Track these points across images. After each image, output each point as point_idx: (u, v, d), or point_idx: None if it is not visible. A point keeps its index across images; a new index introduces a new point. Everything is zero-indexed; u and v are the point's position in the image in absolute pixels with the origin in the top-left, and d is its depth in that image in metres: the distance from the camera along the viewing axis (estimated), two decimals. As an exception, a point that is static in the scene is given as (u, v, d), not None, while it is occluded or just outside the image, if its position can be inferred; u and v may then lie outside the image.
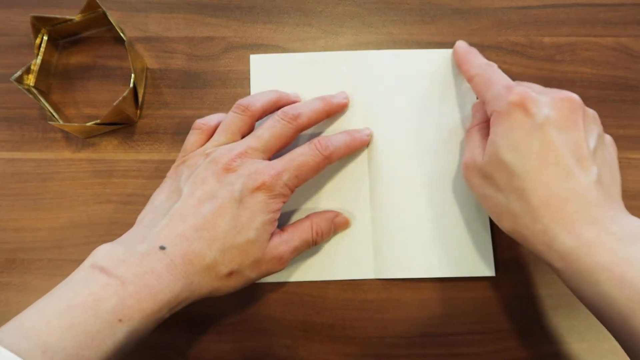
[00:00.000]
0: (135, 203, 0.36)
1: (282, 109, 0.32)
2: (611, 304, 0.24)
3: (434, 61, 0.38)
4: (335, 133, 0.34)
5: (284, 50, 0.39)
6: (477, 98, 0.36)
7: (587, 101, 0.37)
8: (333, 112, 0.35)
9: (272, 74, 0.38)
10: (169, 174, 0.32)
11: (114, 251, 0.27)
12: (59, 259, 0.35)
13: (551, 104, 0.27)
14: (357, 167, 0.36)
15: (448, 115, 0.36)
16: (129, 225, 0.35)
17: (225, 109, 0.38)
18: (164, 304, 0.26)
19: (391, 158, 0.36)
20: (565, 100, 0.27)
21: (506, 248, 0.35)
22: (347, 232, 0.35)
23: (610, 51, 0.38)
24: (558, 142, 0.26)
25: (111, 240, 0.35)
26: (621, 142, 0.37)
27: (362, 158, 0.36)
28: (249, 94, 0.38)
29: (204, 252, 0.27)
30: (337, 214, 0.35)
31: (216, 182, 0.29)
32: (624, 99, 0.38)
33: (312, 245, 0.33)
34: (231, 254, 0.28)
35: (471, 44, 0.38)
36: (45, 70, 0.38)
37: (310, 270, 0.35)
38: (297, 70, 0.38)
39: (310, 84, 0.37)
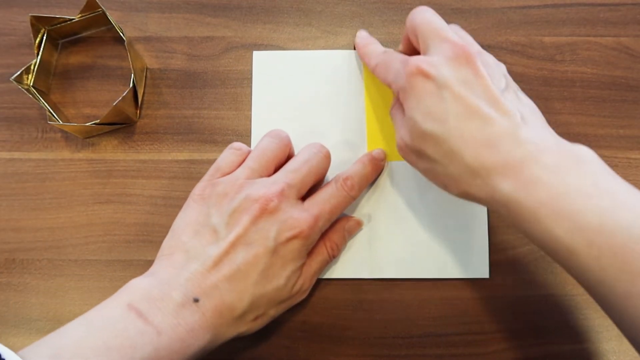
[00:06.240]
0: (135, 203, 0.36)
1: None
2: (555, 239, 0.24)
3: None
4: (353, 163, 0.34)
5: (284, 50, 0.39)
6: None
7: (587, 101, 0.38)
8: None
9: (273, 70, 0.38)
10: (195, 195, 0.31)
11: (150, 293, 0.26)
12: (59, 259, 0.35)
13: (447, 63, 0.26)
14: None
15: None
16: (129, 225, 0.36)
17: (225, 109, 0.38)
18: (190, 357, 0.26)
19: (390, 159, 0.36)
20: (459, 56, 0.26)
21: (510, 247, 0.35)
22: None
23: (610, 51, 0.38)
24: (467, 94, 0.25)
25: (111, 240, 0.35)
26: (621, 142, 0.37)
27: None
28: (249, 94, 0.38)
29: (235, 304, 0.27)
30: (347, 219, 0.34)
31: (251, 224, 0.28)
32: (624, 99, 0.38)
33: (330, 261, 0.34)
34: (259, 302, 0.28)
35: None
36: (45, 70, 0.38)
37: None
38: (299, 67, 0.38)
39: (312, 82, 0.37)
